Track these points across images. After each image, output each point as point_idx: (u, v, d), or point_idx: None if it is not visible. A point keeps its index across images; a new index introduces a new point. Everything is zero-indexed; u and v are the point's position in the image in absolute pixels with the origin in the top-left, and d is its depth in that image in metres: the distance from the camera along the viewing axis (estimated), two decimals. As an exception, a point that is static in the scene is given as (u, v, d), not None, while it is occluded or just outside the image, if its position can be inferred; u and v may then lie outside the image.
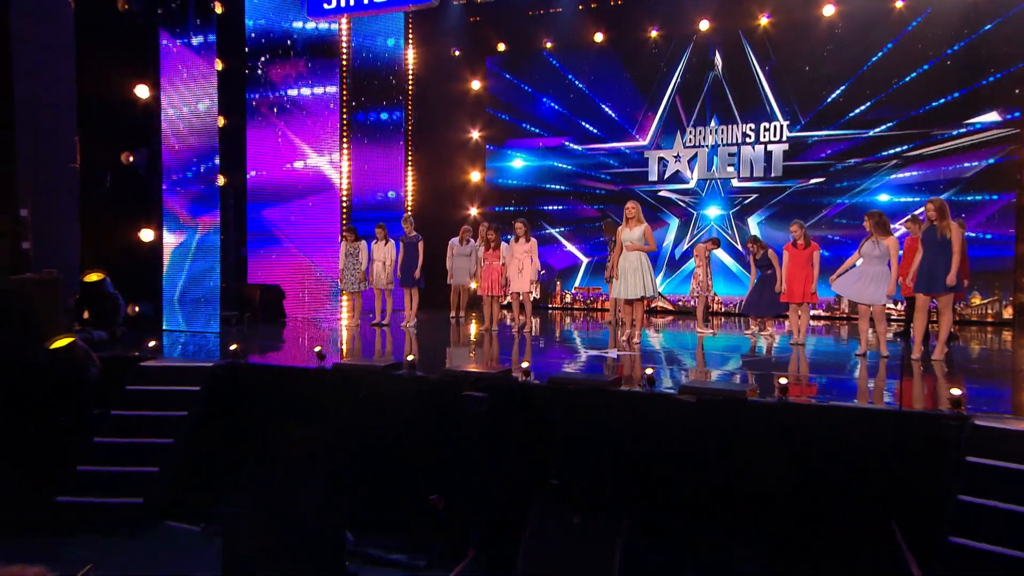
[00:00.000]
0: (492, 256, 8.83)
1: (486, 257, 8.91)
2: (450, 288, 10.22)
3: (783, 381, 4.66)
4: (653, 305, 11.80)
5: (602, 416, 4.90)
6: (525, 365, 5.36)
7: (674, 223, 11.94)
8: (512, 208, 12.78)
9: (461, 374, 5.51)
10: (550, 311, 12.42)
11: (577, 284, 12.43)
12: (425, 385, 5.58)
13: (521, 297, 8.79)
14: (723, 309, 11.45)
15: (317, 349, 6.08)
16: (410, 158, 12.19)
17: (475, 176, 13.25)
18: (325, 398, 5.72)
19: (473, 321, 9.52)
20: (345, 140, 10.62)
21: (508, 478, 4.67)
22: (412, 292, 9.50)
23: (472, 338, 8.39)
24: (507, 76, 12.89)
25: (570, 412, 4.98)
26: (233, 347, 6.21)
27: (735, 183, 11.46)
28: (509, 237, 8.96)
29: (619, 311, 8.74)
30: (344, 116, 10.53)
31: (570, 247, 12.62)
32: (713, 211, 11.68)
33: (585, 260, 12.42)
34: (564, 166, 12.56)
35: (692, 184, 11.74)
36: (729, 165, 11.46)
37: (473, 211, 13.23)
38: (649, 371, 5.01)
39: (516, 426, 5.00)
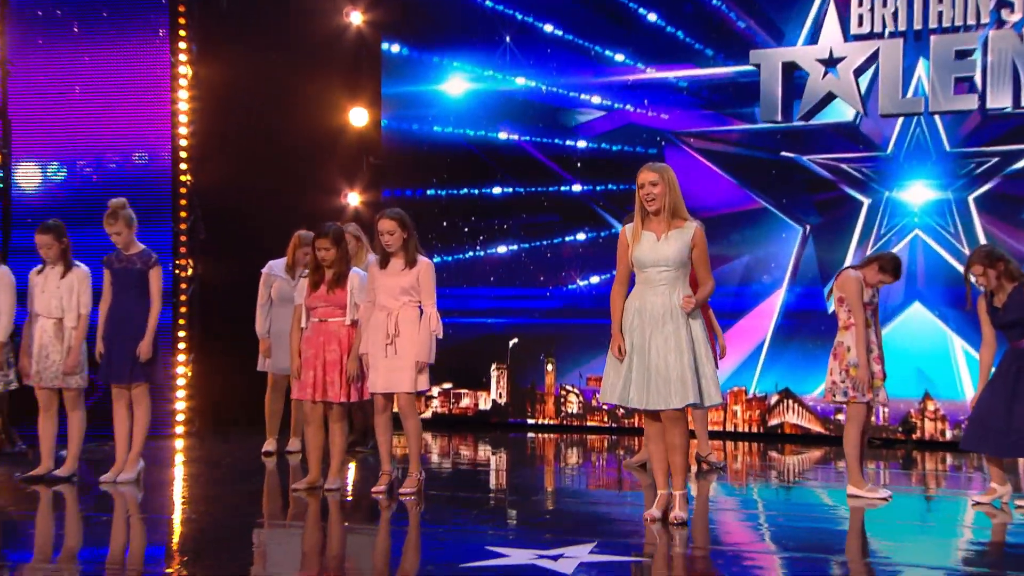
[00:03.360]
0: (326, 304, 8.73)
1: (310, 303, 8.82)
2: (266, 380, 10.77)
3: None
4: (775, 422, 12.14)
5: None
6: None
7: (801, 230, 12.34)
8: (443, 192, 13.21)
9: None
10: (532, 437, 13.02)
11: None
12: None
13: (398, 404, 8.63)
14: (919, 434, 11.70)
15: None
16: (183, 72, 12.20)
17: (358, 116, 13.59)
18: None
19: (353, 461, 9.64)
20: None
21: None
22: (133, 394, 9.24)
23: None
24: None
25: None
26: None
27: (974, 123, 11.64)
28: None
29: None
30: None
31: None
32: (917, 192, 11.95)
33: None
34: (557, 90, 12.95)
35: (862, 125, 12.00)
36: (960, 80, 11.51)
37: (352, 198, 13.58)
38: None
39: None
